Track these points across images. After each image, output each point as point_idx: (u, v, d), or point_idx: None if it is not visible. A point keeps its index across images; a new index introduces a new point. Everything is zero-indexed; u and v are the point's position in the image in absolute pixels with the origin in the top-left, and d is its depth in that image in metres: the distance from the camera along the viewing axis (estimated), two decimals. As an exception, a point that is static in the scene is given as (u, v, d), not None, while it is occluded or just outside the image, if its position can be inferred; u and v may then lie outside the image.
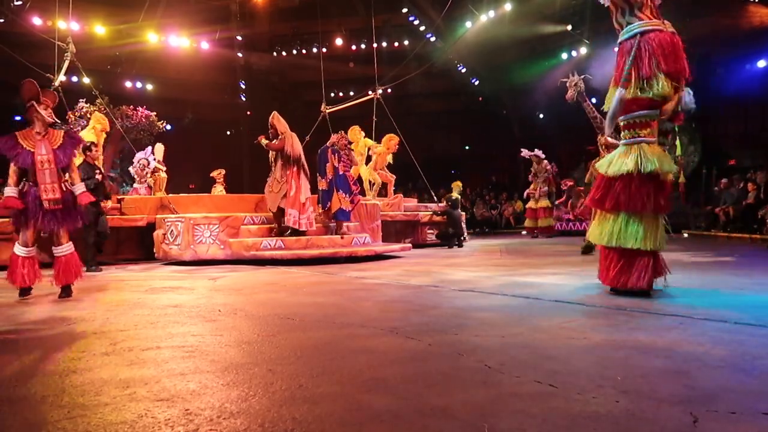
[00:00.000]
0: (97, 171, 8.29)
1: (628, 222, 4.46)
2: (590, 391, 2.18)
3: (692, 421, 1.87)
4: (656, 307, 4.00)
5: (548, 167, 16.17)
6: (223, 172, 15.58)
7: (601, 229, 4.66)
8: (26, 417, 2.05)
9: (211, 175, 15.66)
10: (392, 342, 3.16)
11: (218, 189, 15.29)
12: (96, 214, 8.07)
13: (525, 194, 16.79)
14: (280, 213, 9.34)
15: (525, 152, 16.23)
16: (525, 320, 3.67)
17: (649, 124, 4.59)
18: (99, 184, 8.19)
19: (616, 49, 4.84)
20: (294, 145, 9.41)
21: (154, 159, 13.92)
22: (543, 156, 16.15)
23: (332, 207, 9.82)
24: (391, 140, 13.56)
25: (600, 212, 4.78)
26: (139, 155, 13.85)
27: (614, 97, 4.48)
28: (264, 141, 9.42)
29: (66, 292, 5.28)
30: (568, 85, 10.49)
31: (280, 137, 9.32)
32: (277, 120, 9.46)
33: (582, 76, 10.46)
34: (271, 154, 9.60)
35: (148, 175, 13.71)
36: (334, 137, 10.21)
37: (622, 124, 4.75)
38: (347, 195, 9.88)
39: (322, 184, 9.86)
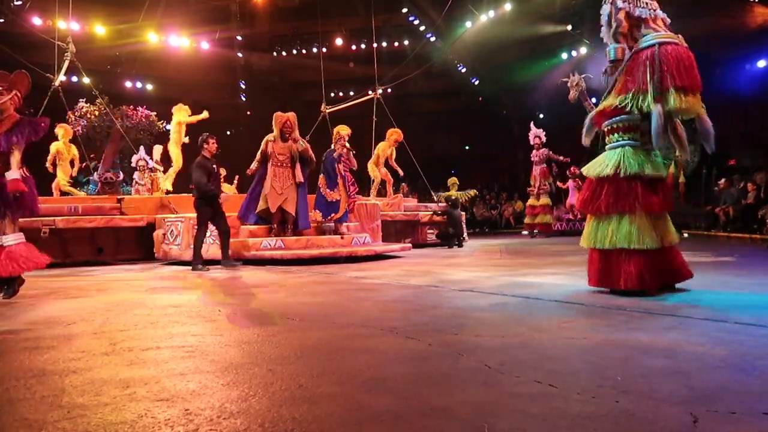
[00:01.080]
0: (213, 165, 8.03)
1: (620, 223, 4.49)
2: (590, 391, 2.18)
3: (692, 421, 1.87)
4: (656, 307, 4.00)
5: (549, 153, 16.10)
6: (224, 173, 15.55)
7: (593, 233, 4.68)
8: (26, 417, 2.05)
9: None
10: (392, 342, 3.16)
11: (226, 187, 15.25)
12: (212, 213, 7.83)
13: (527, 191, 16.78)
14: (281, 213, 9.33)
15: (533, 129, 16.21)
16: (525, 320, 3.67)
17: (632, 128, 4.64)
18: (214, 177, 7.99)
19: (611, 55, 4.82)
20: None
21: (152, 159, 13.96)
22: (544, 139, 16.12)
23: (335, 216, 9.80)
24: (392, 135, 13.47)
25: (590, 216, 4.80)
26: (135, 157, 13.94)
27: (654, 113, 4.38)
28: (303, 143, 9.50)
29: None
30: (569, 85, 10.48)
31: (300, 141, 9.42)
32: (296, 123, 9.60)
33: (583, 76, 10.45)
34: (281, 156, 9.48)
35: (146, 176, 13.76)
36: (338, 146, 10.12)
37: (606, 129, 4.81)
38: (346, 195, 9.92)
39: (332, 196, 9.78)
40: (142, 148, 14.30)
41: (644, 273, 4.40)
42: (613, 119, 4.69)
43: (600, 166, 4.66)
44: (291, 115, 9.57)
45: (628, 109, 4.51)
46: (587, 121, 5.06)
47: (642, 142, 4.64)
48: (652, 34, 4.56)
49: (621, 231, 4.45)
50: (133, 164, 14.04)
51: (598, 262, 4.66)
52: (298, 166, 9.41)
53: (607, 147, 4.80)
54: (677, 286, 4.73)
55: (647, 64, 4.43)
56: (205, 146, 7.98)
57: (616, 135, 4.70)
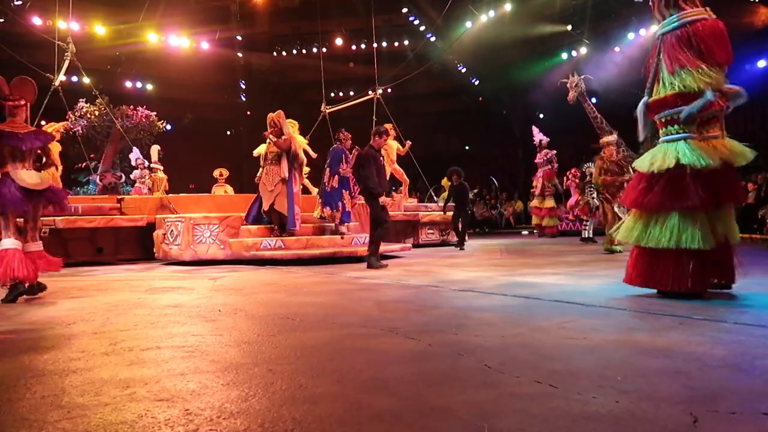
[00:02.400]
0: (382, 157, 7.78)
1: (679, 221, 4.24)
2: (590, 391, 2.18)
3: (692, 421, 1.87)
4: (656, 307, 4.00)
5: (549, 155, 16.12)
6: (227, 173, 15.54)
7: (642, 229, 4.45)
8: (26, 417, 2.05)
9: (213, 174, 15.64)
10: (392, 342, 3.16)
11: (228, 188, 15.24)
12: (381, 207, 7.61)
13: (531, 192, 16.81)
14: (276, 212, 9.32)
15: (536, 133, 16.23)
16: (525, 320, 3.67)
17: (691, 120, 4.42)
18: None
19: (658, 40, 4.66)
20: (299, 147, 9.48)
21: (150, 161, 14.01)
22: (544, 142, 16.14)
23: (342, 207, 9.78)
24: (390, 131, 13.40)
25: (640, 212, 4.54)
26: (132, 155, 13.97)
27: (708, 94, 4.24)
28: (273, 138, 9.32)
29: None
30: (568, 86, 10.51)
31: (285, 137, 9.28)
32: (283, 120, 9.45)
33: (582, 77, 10.46)
34: (270, 154, 9.48)
35: (146, 176, 13.80)
36: (348, 142, 10.12)
37: (662, 120, 4.56)
38: (349, 195, 9.92)
39: (333, 181, 9.74)
40: (135, 149, 14.32)
41: (695, 275, 4.20)
42: (673, 110, 4.43)
43: (662, 159, 4.35)
44: (274, 114, 9.49)
45: (684, 86, 4.30)
46: (640, 112, 4.73)
47: (698, 132, 4.41)
48: (678, 13, 4.44)
49: (678, 230, 4.21)
50: (133, 163, 14.08)
51: (645, 260, 4.42)
52: (284, 162, 9.36)
53: (661, 140, 4.55)
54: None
55: (686, 44, 4.31)
56: (377, 138, 7.72)
57: (675, 126, 4.45)
